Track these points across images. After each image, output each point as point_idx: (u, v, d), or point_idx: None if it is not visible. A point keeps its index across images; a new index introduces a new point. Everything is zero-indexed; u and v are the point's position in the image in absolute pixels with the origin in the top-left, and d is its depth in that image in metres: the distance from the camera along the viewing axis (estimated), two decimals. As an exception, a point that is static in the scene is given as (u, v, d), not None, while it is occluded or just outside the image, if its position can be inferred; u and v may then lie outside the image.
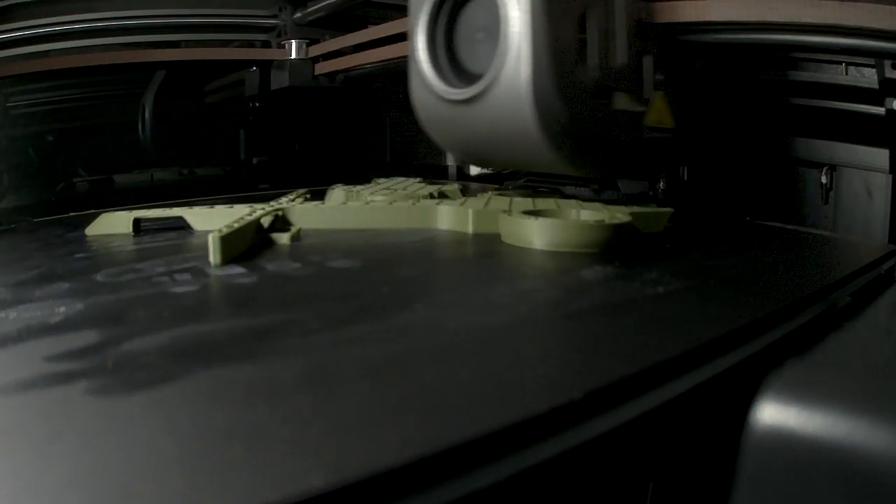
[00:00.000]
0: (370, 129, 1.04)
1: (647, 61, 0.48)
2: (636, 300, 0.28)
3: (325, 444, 0.16)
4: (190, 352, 0.22)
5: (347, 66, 0.86)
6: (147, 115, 0.96)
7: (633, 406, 0.21)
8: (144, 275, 0.33)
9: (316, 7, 0.87)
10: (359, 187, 0.55)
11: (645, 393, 0.21)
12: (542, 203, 0.45)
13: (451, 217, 0.44)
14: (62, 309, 0.28)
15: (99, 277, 0.33)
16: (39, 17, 0.90)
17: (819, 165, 0.62)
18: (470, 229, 0.42)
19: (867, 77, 0.53)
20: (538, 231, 0.37)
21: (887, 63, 0.49)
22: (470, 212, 0.43)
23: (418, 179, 0.63)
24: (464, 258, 0.37)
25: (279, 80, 0.91)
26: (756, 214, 0.58)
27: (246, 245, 0.38)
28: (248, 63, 0.95)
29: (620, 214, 0.40)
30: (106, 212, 0.46)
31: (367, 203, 0.46)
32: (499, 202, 0.45)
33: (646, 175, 0.59)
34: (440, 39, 0.48)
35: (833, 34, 0.45)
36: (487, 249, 0.38)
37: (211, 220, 0.44)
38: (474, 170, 0.95)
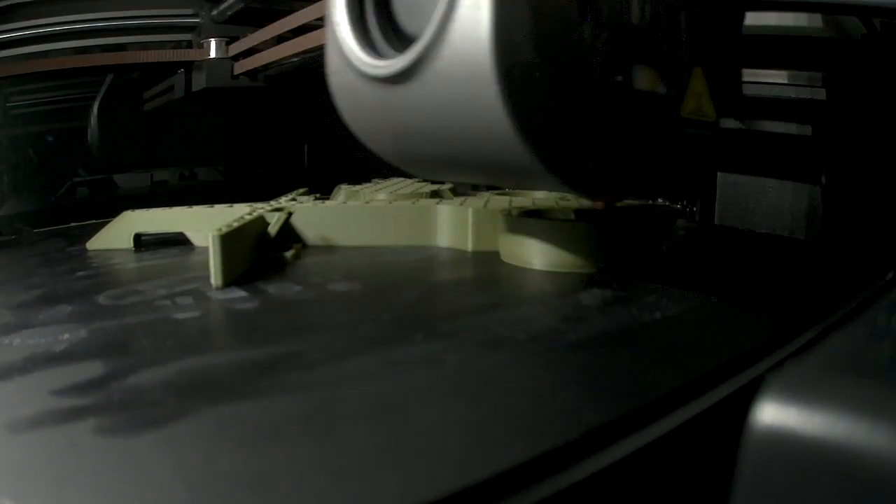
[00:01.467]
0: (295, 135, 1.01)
1: (684, 20, 0.31)
2: (633, 329, 0.28)
3: (330, 490, 0.16)
4: (195, 387, 0.22)
5: (268, 62, 0.80)
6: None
7: (630, 442, 0.21)
8: (146, 298, 0.33)
9: (232, 1, 0.83)
10: (359, 186, 0.56)
11: (642, 428, 0.22)
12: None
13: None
14: (66, 336, 0.28)
15: (101, 300, 0.33)
16: (39, 17, 0.91)
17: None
18: (469, 247, 0.43)
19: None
20: (537, 252, 0.38)
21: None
22: (469, 224, 0.43)
23: (416, 180, 0.63)
24: (463, 281, 0.38)
25: (198, 81, 0.89)
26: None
27: (247, 258, 0.38)
28: (178, 65, 0.94)
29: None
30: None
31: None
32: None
33: (681, 191, 0.43)
34: None
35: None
36: (486, 271, 0.39)
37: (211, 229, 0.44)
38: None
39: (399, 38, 0.30)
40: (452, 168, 0.33)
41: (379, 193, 0.51)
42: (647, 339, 0.27)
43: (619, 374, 0.24)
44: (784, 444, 0.17)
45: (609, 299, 0.33)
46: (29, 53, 0.89)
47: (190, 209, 0.46)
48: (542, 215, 0.41)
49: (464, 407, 0.21)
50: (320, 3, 0.59)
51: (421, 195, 0.50)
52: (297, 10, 0.75)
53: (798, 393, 0.18)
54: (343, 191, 0.54)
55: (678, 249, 0.47)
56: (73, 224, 0.60)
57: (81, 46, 0.91)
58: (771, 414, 0.18)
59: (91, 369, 0.24)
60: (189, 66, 0.91)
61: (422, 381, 0.23)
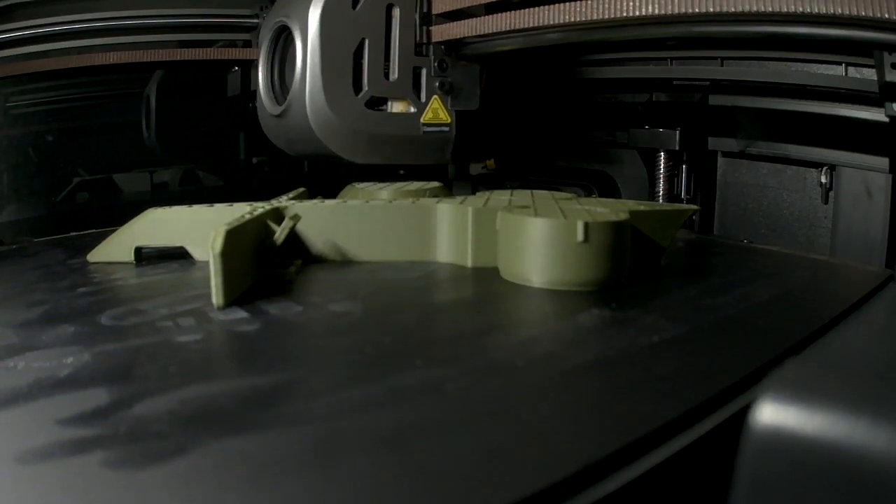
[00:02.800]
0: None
1: (424, 73, 0.67)
2: (631, 354, 0.29)
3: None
4: (199, 418, 0.23)
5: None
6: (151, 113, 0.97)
7: (623, 475, 0.22)
8: (148, 318, 0.34)
9: None
10: (365, 184, 0.57)
11: (636, 461, 0.22)
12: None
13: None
14: (70, 360, 0.28)
15: (103, 320, 0.34)
16: (39, 17, 0.91)
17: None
18: (469, 262, 0.43)
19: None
20: (536, 270, 0.38)
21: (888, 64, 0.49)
22: (469, 241, 0.43)
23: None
24: (462, 301, 0.38)
25: (257, 80, 0.91)
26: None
27: (249, 275, 0.38)
28: (231, 63, 0.95)
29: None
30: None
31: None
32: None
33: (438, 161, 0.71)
34: (275, 70, 0.71)
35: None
36: (486, 290, 0.39)
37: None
38: (474, 169, 0.96)
39: (286, 93, 0.68)
40: (308, 154, 0.72)
41: (382, 192, 0.51)
42: (645, 364, 0.28)
43: (615, 404, 0.24)
44: (784, 444, 0.18)
45: (607, 321, 0.33)
46: (77, 48, 0.89)
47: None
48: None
49: (464, 441, 0.21)
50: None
51: (423, 192, 0.51)
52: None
53: (798, 393, 0.19)
54: (354, 189, 0.55)
55: (677, 263, 0.47)
56: (73, 234, 0.60)
57: (128, 43, 0.91)
58: (771, 414, 0.19)
59: (96, 397, 0.25)
60: (248, 64, 0.92)
61: (422, 412, 0.23)
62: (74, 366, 0.28)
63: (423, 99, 0.67)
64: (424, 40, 0.66)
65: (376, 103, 0.65)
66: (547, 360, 0.28)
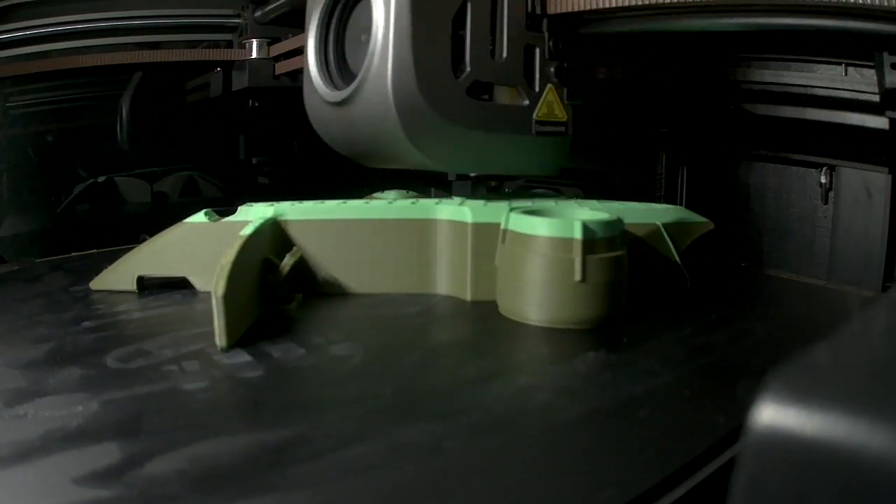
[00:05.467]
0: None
1: (538, 54, 0.51)
2: (625, 405, 0.30)
3: None
4: (209, 478, 0.24)
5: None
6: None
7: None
8: (153, 360, 0.34)
9: (277, 4, 0.86)
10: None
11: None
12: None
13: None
14: (79, 408, 0.29)
15: (109, 362, 0.34)
16: (39, 17, 0.91)
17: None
18: (468, 297, 0.44)
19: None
20: (534, 308, 0.39)
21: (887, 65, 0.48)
22: (469, 274, 0.44)
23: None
24: (461, 344, 0.39)
25: (239, 81, 0.91)
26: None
27: (252, 311, 0.39)
28: (214, 64, 0.96)
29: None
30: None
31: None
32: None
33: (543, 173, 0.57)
34: (330, 43, 0.52)
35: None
36: (484, 329, 0.40)
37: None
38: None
39: (348, 75, 0.50)
40: (378, 157, 0.52)
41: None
42: (640, 416, 0.29)
43: (608, 462, 0.25)
44: (784, 445, 0.18)
45: (603, 364, 0.34)
46: (58, 49, 0.90)
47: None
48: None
49: (462, 503, 0.22)
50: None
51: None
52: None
53: (798, 393, 0.19)
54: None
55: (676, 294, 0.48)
56: (74, 254, 0.60)
57: (114, 44, 0.92)
58: (771, 414, 0.19)
59: (108, 453, 0.25)
60: (229, 65, 0.93)
61: (423, 471, 0.24)
62: (84, 415, 0.29)
63: (537, 88, 0.51)
64: (538, 10, 0.51)
65: (479, 91, 0.48)
66: (544, 411, 0.29)
